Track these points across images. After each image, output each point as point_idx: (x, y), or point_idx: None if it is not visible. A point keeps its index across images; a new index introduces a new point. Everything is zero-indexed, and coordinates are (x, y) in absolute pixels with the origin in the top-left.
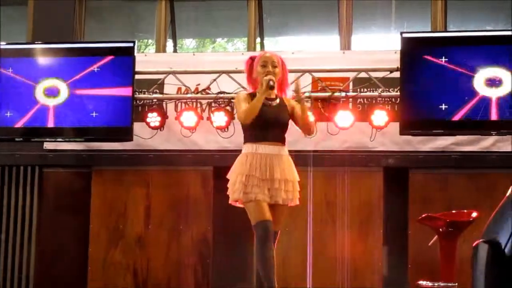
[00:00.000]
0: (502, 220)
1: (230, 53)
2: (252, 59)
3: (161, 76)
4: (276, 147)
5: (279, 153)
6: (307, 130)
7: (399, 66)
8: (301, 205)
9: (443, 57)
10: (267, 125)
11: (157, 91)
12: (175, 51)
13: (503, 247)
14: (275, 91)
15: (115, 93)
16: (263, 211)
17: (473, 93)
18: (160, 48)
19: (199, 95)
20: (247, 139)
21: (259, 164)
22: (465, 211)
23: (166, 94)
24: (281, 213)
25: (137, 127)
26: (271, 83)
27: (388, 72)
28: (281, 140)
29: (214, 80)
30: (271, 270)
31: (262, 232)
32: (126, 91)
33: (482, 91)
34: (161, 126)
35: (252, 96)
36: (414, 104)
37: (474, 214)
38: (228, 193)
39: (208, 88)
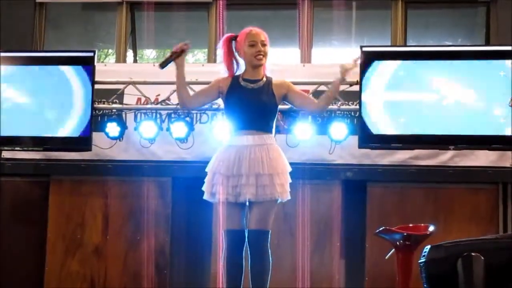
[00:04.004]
0: None
1: (190, 64)
2: (230, 38)
3: (120, 86)
4: (255, 136)
5: (257, 143)
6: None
7: (358, 80)
8: None
9: (402, 71)
10: (242, 111)
11: (117, 101)
12: (135, 61)
13: None
14: (265, 72)
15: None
16: (230, 218)
17: (432, 107)
18: (120, 58)
19: (158, 105)
20: (229, 131)
21: (228, 159)
22: (422, 225)
23: (125, 104)
24: (257, 211)
25: (96, 137)
26: (181, 48)
27: (348, 86)
28: (261, 128)
29: (174, 91)
30: (230, 280)
31: (225, 243)
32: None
33: (440, 104)
34: (120, 136)
35: (226, 80)
36: (373, 117)
37: (431, 228)
38: None
39: (168, 99)
